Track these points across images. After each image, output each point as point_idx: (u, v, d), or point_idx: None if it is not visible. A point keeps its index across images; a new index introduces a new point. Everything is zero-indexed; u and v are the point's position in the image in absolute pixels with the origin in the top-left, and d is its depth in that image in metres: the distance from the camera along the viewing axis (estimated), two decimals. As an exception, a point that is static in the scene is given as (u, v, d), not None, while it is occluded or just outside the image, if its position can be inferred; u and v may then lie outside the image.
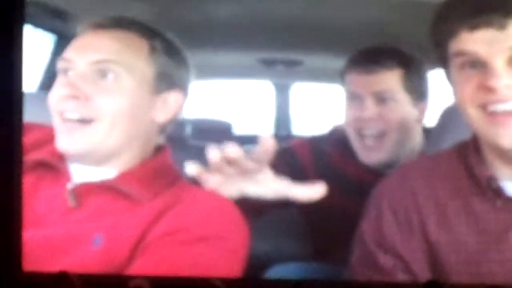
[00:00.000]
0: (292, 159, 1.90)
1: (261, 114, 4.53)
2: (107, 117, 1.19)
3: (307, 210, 1.93)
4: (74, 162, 1.25)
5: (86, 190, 1.21)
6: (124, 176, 1.23)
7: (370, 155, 1.79)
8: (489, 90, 1.08)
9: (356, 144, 1.82)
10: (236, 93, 4.62)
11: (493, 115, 1.10)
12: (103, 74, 1.20)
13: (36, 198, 1.22)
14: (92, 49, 1.22)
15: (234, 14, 2.09)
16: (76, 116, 1.18)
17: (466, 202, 1.15)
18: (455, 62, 1.14)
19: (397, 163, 1.83)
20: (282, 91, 3.96)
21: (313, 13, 2.06)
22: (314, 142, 1.97)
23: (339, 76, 1.90)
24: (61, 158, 1.28)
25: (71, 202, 1.21)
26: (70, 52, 1.24)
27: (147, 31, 1.29)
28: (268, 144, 1.20)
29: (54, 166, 1.26)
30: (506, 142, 1.08)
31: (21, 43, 1.33)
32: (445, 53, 1.14)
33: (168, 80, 1.29)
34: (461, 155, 1.18)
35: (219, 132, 3.58)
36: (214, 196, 1.23)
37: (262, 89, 4.21)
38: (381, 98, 1.76)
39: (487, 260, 1.12)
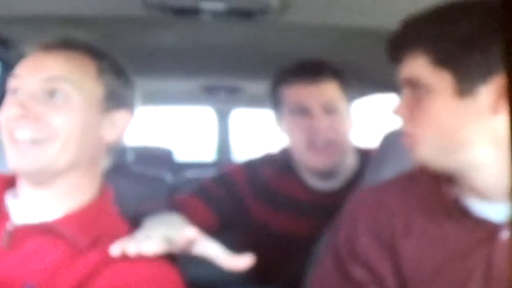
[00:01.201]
0: (230, 185, 1.91)
1: (202, 140, 4.55)
2: (58, 136, 1.18)
3: (248, 232, 1.95)
4: (23, 182, 1.23)
5: (24, 232, 1.19)
6: (65, 219, 1.21)
7: (320, 160, 1.81)
8: None
9: (304, 154, 1.84)
10: (177, 119, 4.64)
11: None
12: (52, 92, 1.19)
13: None
14: (41, 67, 1.21)
15: (176, 41, 2.11)
16: (27, 136, 1.16)
17: (436, 222, 1.17)
18: None
19: (338, 174, 1.88)
20: (223, 117, 3.99)
21: (254, 41, 2.10)
22: (250, 167, 1.99)
23: (272, 92, 1.92)
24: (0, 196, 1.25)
25: (4, 244, 1.18)
26: (19, 72, 1.23)
27: (95, 52, 1.29)
28: (191, 236, 1.19)
29: None
30: None
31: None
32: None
33: (116, 99, 1.29)
34: (432, 175, 1.21)
35: (160, 159, 3.57)
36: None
37: (203, 115, 4.23)
38: (328, 109, 1.80)
39: (452, 280, 1.14)
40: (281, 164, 1.95)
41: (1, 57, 2.14)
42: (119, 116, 1.30)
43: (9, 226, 1.19)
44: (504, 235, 1.10)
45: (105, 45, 1.33)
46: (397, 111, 1.17)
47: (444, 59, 1.08)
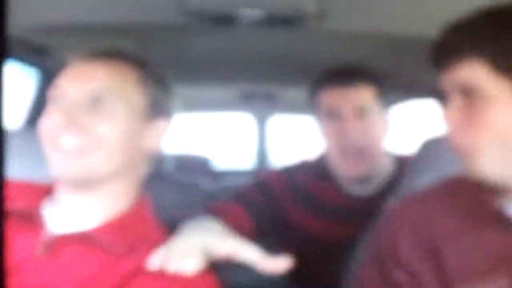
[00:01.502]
0: (268, 191, 1.91)
1: (240, 147, 4.56)
2: (102, 145, 1.19)
3: (286, 238, 1.94)
4: (65, 189, 1.24)
5: (61, 241, 1.20)
6: (103, 227, 1.22)
7: (351, 167, 1.81)
8: None
9: (337, 160, 1.84)
10: (216, 126, 4.66)
11: None
12: (96, 101, 1.20)
13: (10, 248, 1.20)
14: (85, 77, 1.23)
15: (214, 48, 2.12)
16: (71, 144, 1.17)
17: (479, 230, 1.15)
18: None
19: (372, 179, 1.86)
20: (262, 124, 3.99)
21: (292, 48, 2.10)
22: (287, 173, 1.98)
23: (311, 97, 1.92)
24: (36, 207, 1.27)
25: (44, 253, 1.19)
26: (62, 81, 1.24)
27: (137, 62, 1.30)
28: (231, 250, 1.20)
29: (29, 215, 1.24)
30: None
31: (2, 79, 1.33)
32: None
33: (156, 108, 1.30)
34: (468, 185, 1.19)
35: (198, 167, 3.59)
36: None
37: (242, 122, 4.24)
38: (360, 113, 1.79)
39: (494, 284, 1.13)
40: (318, 170, 1.94)
41: (40, 65, 2.17)
42: (159, 125, 1.31)
43: (45, 236, 1.19)
44: None
45: (144, 53, 1.34)
46: (448, 119, 1.13)
47: (503, 65, 1.04)
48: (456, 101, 1.12)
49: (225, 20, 1.66)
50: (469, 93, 1.09)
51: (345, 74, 1.84)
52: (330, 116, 1.83)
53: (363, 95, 1.82)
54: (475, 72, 1.07)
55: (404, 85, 2.42)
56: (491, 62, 1.05)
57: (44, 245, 1.18)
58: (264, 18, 1.65)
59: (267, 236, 1.81)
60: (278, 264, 1.17)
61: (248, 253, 1.20)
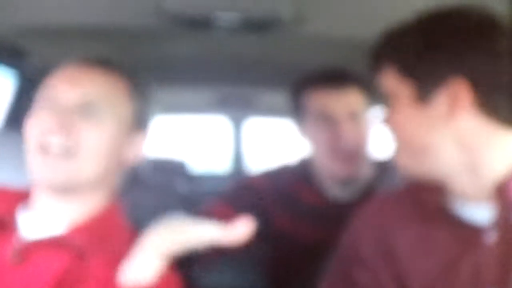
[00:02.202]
0: (253, 194, 1.91)
1: (216, 150, 4.56)
2: (87, 151, 1.19)
3: (270, 242, 1.95)
4: (42, 193, 1.23)
5: (32, 247, 1.19)
6: (75, 231, 1.22)
7: (342, 168, 1.81)
8: None
9: (327, 161, 1.84)
10: (191, 129, 4.65)
11: None
12: (88, 108, 1.20)
13: None
14: (78, 82, 1.22)
15: (190, 51, 2.12)
16: (58, 148, 1.17)
17: (428, 230, 1.18)
18: None
19: (355, 183, 1.88)
20: (238, 127, 3.99)
21: (268, 52, 2.11)
22: (269, 177, 1.99)
23: (294, 98, 1.92)
24: (9, 213, 1.26)
25: (15, 259, 1.18)
26: (54, 83, 1.24)
27: (128, 73, 1.31)
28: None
29: (2, 221, 1.24)
30: None
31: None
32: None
33: (140, 120, 1.30)
34: (427, 186, 1.22)
35: (174, 171, 3.58)
36: None
37: (218, 125, 4.24)
38: (353, 116, 1.80)
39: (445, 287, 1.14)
40: (300, 173, 1.94)
41: (18, 68, 2.16)
42: (140, 136, 1.32)
43: (17, 242, 1.19)
44: (488, 238, 1.10)
45: (121, 56, 1.35)
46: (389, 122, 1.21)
47: (405, 68, 1.12)
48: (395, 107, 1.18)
49: (202, 24, 1.66)
50: (387, 96, 1.18)
51: (337, 77, 1.84)
52: (322, 118, 1.83)
53: (354, 98, 1.83)
54: (387, 77, 1.16)
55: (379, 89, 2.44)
56: (397, 66, 1.14)
57: (15, 252, 1.17)
58: (240, 22, 1.66)
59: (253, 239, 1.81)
60: (239, 230, 1.15)
61: (209, 233, 1.16)
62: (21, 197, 1.30)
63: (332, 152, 1.83)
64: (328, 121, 1.82)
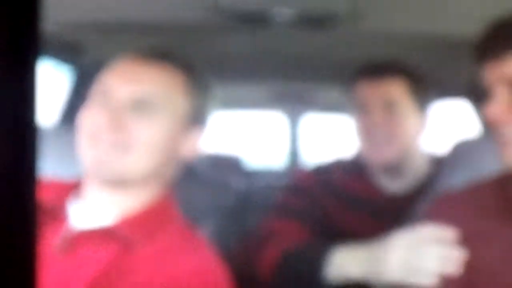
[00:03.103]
0: (304, 194, 1.91)
1: (273, 146, 4.56)
2: (140, 147, 1.20)
3: (329, 236, 1.94)
4: (93, 185, 1.25)
5: (81, 237, 1.21)
6: (122, 223, 1.23)
7: (378, 153, 1.81)
8: None
9: (366, 150, 1.84)
10: (248, 125, 4.67)
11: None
12: (141, 104, 1.21)
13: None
14: (133, 77, 1.23)
15: (247, 47, 2.13)
16: (111, 143, 1.19)
17: (504, 227, 1.15)
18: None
19: (405, 174, 1.86)
20: (294, 123, 3.99)
21: (324, 48, 2.10)
22: (318, 172, 1.98)
23: (347, 89, 1.92)
24: (61, 203, 1.28)
25: (63, 249, 1.20)
26: (109, 78, 1.25)
27: (186, 67, 1.31)
28: None
29: (53, 211, 1.26)
30: None
31: (35, 76, 1.35)
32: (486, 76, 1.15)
33: (198, 116, 1.31)
34: (500, 185, 1.18)
35: (230, 166, 3.60)
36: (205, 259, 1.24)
37: (274, 121, 4.24)
38: (388, 106, 1.80)
39: None
40: (352, 167, 1.94)
41: (74, 63, 2.20)
42: (197, 132, 1.32)
43: (66, 231, 1.21)
44: None
45: (177, 52, 1.35)
46: (493, 113, 1.12)
47: None
48: (503, 94, 1.11)
49: (257, 19, 1.67)
50: None
51: (376, 68, 1.84)
52: (360, 110, 1.84)
53: (393, 89, 1.81)
54: None
55: (437, 84, 2.41)
56: None
57: (64, 241, 1.20)
58: (297, 18, 1.65)
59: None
60: None
61: None
62: (74, 187, 1.32)
63: (366, 140, 1.83)
64: (362, 111, 1.83)
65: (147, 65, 1.27)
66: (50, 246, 1.20)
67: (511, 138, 1.10)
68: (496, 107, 1.11)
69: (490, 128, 1.15)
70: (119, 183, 1.22)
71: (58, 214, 1.26)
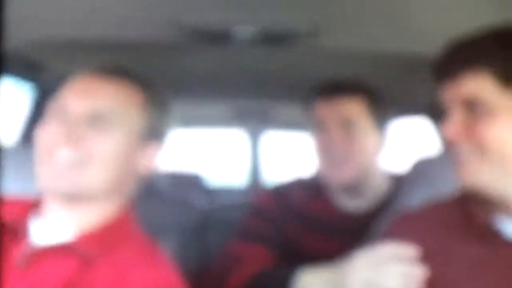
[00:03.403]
0: (266, 216, 1.91)
1: (233, 165, 4.56)
2: (96, 162, 1.19)
3: (283, 255, 1.94)
4: (52, 202, 1.24)
5: (40, 253, 1.20)
6: (84, 238, 1.22)
7: (337, 173, 1.81)
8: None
9: (324, 169, 1.85)
10: (209, 143, 4.67)
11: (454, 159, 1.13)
12: (97, 119, 1.21)
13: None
14: (89, 93, 1.23)
15: (208, 65, 2.13)
16: (67, 158, 1.18)
17: (467, 245, 1.16)
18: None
19: (364, 193, 1.87)
20: (255, 140, 3.99)
21: (285, 65, 2.11)
22: (279, 192, 1.98)
23: (306, 109, 1.93)
24: (21, 220, 1.27)
25: (23, 265, 1.19)
26: (65, 94, 1.25)
27: (143, 83, 1.31)
28: None
29: (14, 228, 1.25)
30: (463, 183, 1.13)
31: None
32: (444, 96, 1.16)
33: (154, 131, 1.30)
34: (460, 202, 1.20)
35: (191, 184, 3.58)
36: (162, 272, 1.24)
37: (235, 138, 4.24)
38: (345, 124, 1.80)
39: None
40: (312, 187, 1.94)
41: (35, 81, 2.17)
42: (154, 146, 1.32)
43: (26, 248, 1.20)
44: None
45: (138, 69, 1.35)
46: (449, 132, 1.14)
47: (509, 78, 1.07)
48: (458, 114, 1.13)
49: (219, 38, 1.67)
50: (472, 106, 1.10)
51: (334, 88, 1.85)
52: (318, 129, 1.85)
53: (350, 108, 1.82)
54: (480, 86, 1.08)
55: (397, 102, 2.44)
56: (497, 74, 1.07)
57: (23, 257, 1.18)
58: (258, 36, 1.66)
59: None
60: None
61: None
62: (34, 205, 1.31)
63: (324, 159, 1.84)
64: (320, 129, 1.83)
65: (103, 81, 1.26)
66: (11, 263, 1.18)
67: (465, 157, 1.13)
68: (452, 126, 1.13)
69: (447, 146, 1.17)
70: (76, 198, 1.22)
71: (19, 232, 1.24)
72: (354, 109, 1.82)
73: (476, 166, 1.11)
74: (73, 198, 1.21)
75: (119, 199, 1.29)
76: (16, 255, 1.19)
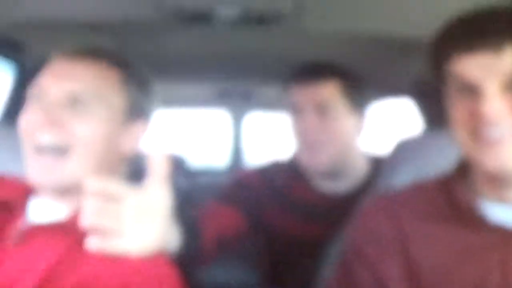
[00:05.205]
0: (248, 190, 1.91)
1: (215, 146, 4.55)
2: (79, 145, 1.18)
3: (263, 237, 1.95)
4: (41, 194, 1.24)
5: (35, 231, 1.20)
6: (77, 218, 1.22)
7: (313, 159, 1.81)
8: (480, 115, 1.07)
9: (300, 153, 1.85)
10: (191, 123, 4.65)
11: (482, 139, 1.09)
12: (76, 101, 1.19)
13: None
14: (67, 75, 1.21)
15: (190, 46, 2.12)
16: (49, 142, 1.17)
17: (449, 228, 1.16)
18: (450, 85, 1.13)
19: (343, 176, 1.88)
20: (238, 121, 3.98)
21: (268, 46, 2.11)
22: (262, 172, 1.99)
23: (284, 94, 1.93)
24: (18, 198, 1.27)
25: (15, 241, 1.19)
26: (43, 78, 1.23)
27: (121, 63, 1.29)
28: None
29: (10, 206, 1.25)
30: (493, 165, 1.08)
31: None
32: (442, 76, 1.14)
33: (136, 111, 1.29)
34: (444, 185, 1.20)
35: (172, 166, 3.58)
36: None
37: (217, 119, 4.23)
38: (321, 109, 1.80)
39: (465, 285, 1.13)
40: (291, 169, 1.94)
41: (17, 60, 2.15)
42: (137, 126, 1.31)
43: (21, 225, 1.20)
44: None
45: (120, 50, 1.34)
46: (489, 110, 1.07)
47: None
48: (494, 92, 1.07)
49: (201, 18, 1.66)
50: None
51: (310, 71, 1.84)
52: (295, 112, 1.84)
53: (325, 92, 1.81)
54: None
55: (378, 84, 2.44)
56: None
57: (17, 234, 1.19)
58: (240, 17, 1.65)
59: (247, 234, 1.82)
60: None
61: None
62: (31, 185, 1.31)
63: (300, 143, 1.85)
64: (296, 114, 1.84)
65: (80, 62, 1.25)
66: (6, 240, 1.19)
67: (502, 136, 1.08)
68: (491, 104, 1.06)
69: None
70: (65, 189, 1.21)
71: (16, 209, 1.25)
72: (329, 93, 1.81)
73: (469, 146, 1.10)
74: (62, 190, 1.21)
75: (109, 179, 1.29)
76: (12, 232, 1.19)
